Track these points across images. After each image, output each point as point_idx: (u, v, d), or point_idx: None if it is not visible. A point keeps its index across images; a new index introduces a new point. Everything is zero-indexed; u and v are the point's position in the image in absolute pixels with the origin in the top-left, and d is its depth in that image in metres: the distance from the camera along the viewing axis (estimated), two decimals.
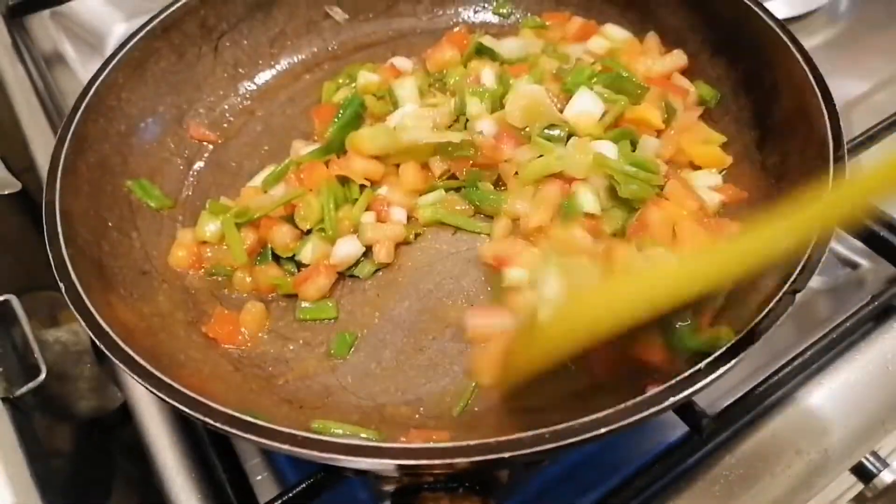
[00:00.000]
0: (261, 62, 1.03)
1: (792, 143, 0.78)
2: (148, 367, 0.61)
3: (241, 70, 1.02)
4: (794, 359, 0.75)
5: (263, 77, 1.03)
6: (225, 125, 0.98)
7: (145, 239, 0.84)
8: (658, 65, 0.91)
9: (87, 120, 0.83)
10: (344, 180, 0.84)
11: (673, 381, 0.55)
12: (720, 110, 0.89)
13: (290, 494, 0.67)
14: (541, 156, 0.82)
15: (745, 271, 0.56)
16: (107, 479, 1.02)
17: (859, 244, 0.84)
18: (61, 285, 0.67)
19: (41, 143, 1.05)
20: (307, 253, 0.80)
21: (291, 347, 0.77)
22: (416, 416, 0.70)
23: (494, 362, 0.70)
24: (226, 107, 1.00)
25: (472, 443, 0.53)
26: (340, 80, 0.99)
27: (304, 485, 0.68)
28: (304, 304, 0.79)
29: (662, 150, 0.84)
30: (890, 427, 0.75)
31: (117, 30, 1.27)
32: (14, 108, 1.10)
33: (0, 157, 1.03)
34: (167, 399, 0.59)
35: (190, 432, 0.76)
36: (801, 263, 0.61)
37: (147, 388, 0.60)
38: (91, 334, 0.63)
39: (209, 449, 0.73)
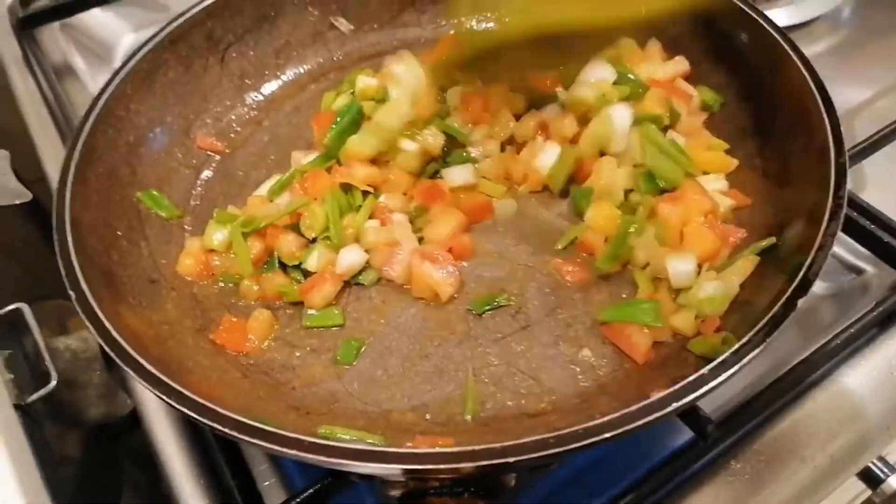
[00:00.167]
0: (267, 73, 1.04)
1: (793, 149, 0.78)
2: (157, 373, 0.62)
3: (247, 81, 1.03)
4: (798, 364, 0.75)
5: (269, 87, 1.04)
6: (232, 135, 0.99)
7: (154, 248, 0.85)
8: (661, 70, 0.92)
9: (97, 131, 0.84)
10: (347, 188, 0.85)
11: (677, 386, 0.55)
12: (721, 118, 0.90)
13: (298, 500, 0.68)
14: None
15: None
16: (115, 485, 1.03)
17: (864, 250, 0.84)
18: (72, 294, 0.68)
19: (51, 153, 1.07)
20: (313, 261, 0.81)
21: (298, 354, 0.78)
22: (422, 422, 0.70)
23: None
24: (233, 117, 1.01)
25: (477, 448, 0.54)
26: (343, 88, 1.00)
27: (311, 490, 0.68)
28: (310, 312, 0.80)
29: None
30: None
31: (125, 41, 1.29)
32: (24, 118, 1.12)
33: (12, 169, 1.04)
34: (176, 406, 0.60)
35: (198, 439, 0.77)
36: (805, 268, 0.61)
37: (157, 395, 0.61)
38: (102, 342, 0.64)
39: (217, 455, 0.73)
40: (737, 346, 0.58)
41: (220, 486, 0.73)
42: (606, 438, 0.54)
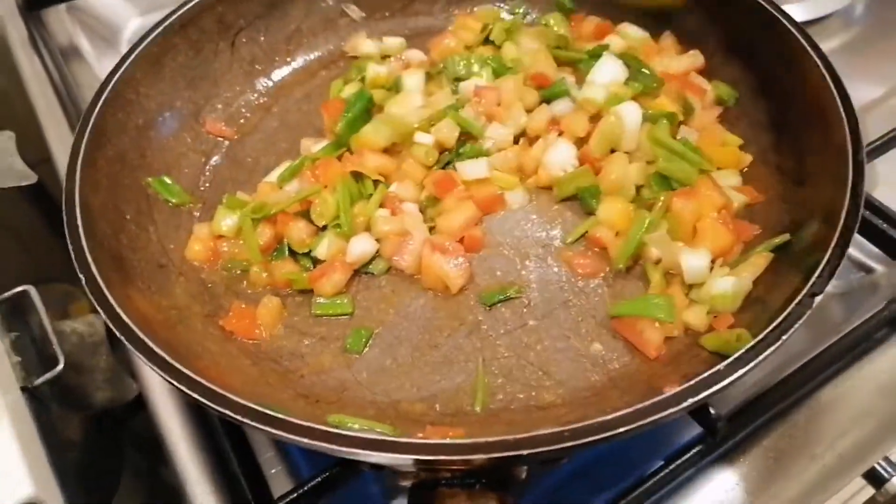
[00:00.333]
0: (277, 59, 1.04)
1: (808, 146, 0.78)
2: (168, 358, 0.61)
3: (257, 66, 1.02)
4: (808, 363, 0.75)
5: (280, 74, 1.04)
6: (241, 121, 0.99)
7: (162, 233, 0.84)
8: (675, 63, 0.91)
9: (106, 113, 0.83)
10: (358, 176, 0.85)
11: (693, 381, 0.55)
12: (736, 113, 0.89)
13: (305, 488, 0.68)
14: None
15: None
16: (116, 470, 1.02)
17: (874, 248, 0.84)
18: (81, 277, 0.67)
19: (57, 135, 1.06)
20: (323, 249, 0.80)
21: (307, 342, 0.77)
22: (432, 412, 0.70)
23: None
24: (242, 103, 1.00)
25: (490, 439, 0.54)
26: (351, 76, 1.00)
27: (318, 479, 0.68)
28: (319, 300, 0.79)
29: None
30: None
31: (132, 24, 1.28)
32: (31, 100, 1.11)
33: (16, 150, 1.03)
34: (186, 390, 0.59)
35: (205, 425, 0.77)
36: (821, 267, 0.61)
37: (166, 380, 0.60)
38: (112, 325, 0.64)
39: (224, 441, 0.73)
40: (753, 342, 0.58)
41: (227, 473, 0.73)
42: (621, 433, 0.53)
